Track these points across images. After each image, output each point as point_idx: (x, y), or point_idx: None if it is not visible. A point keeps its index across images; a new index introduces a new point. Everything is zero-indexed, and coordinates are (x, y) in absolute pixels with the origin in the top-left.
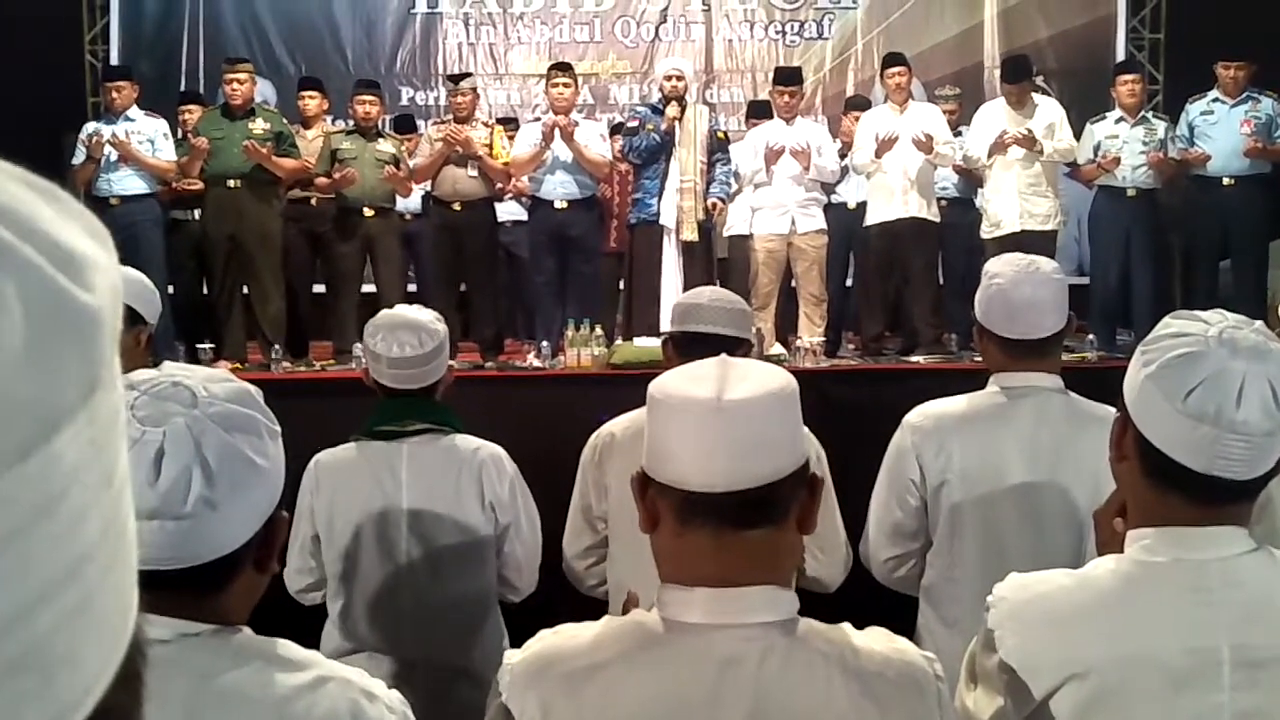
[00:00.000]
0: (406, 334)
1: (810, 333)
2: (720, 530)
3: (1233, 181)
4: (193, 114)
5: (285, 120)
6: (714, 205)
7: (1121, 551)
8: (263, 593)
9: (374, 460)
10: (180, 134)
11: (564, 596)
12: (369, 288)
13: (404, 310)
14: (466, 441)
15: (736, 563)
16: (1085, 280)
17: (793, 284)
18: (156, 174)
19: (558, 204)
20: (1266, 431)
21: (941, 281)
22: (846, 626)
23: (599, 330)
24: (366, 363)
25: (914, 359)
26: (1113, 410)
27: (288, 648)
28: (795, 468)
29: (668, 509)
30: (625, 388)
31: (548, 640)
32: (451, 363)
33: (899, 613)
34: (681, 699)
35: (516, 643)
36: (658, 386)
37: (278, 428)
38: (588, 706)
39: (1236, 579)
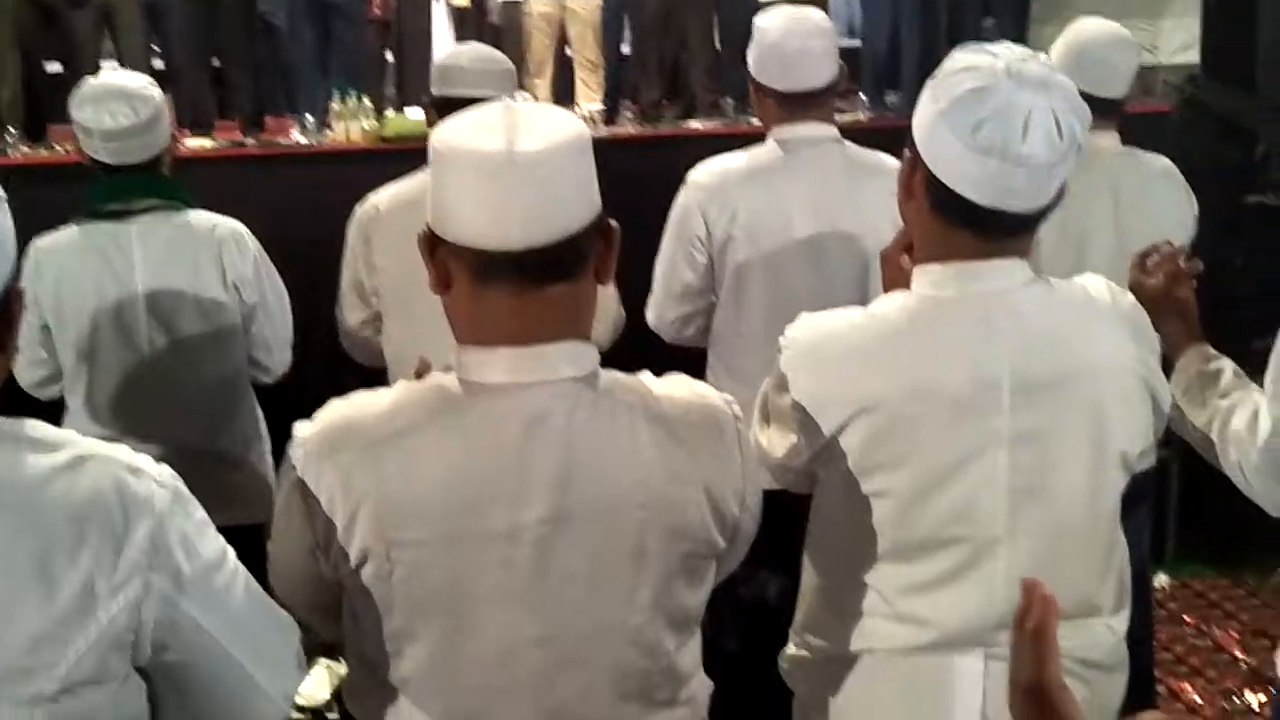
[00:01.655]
0: (117, 103)
1: (588, 100)
2: (519, 288)
3: None
4: None
5: None
6: None
7: (908, 288)
8: (5, 376)
9: (100, 242)
10: None
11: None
12: (111, 64)
13: (111, 78)
14: (202, 218)
15: (537, 320)
16: (856, 43)
17: (568, 50)
18: None
19: None
20: (1050, 163)
21: (718, 45)
22: (646, 375)
23: (367, 102)
24: (79, 139)
25: (692, 124)
26: (888, 158)
27: (39, 427)
28: (592, 219)
29: (461, 270)
30: (398, 162)
31: (341, 410)
32: (175, 133)
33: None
34: (489, 460)
35: (275, 424)
36: (441, 139)
37: (2, 194)
38: (391, 475)
39: (1017, 309)
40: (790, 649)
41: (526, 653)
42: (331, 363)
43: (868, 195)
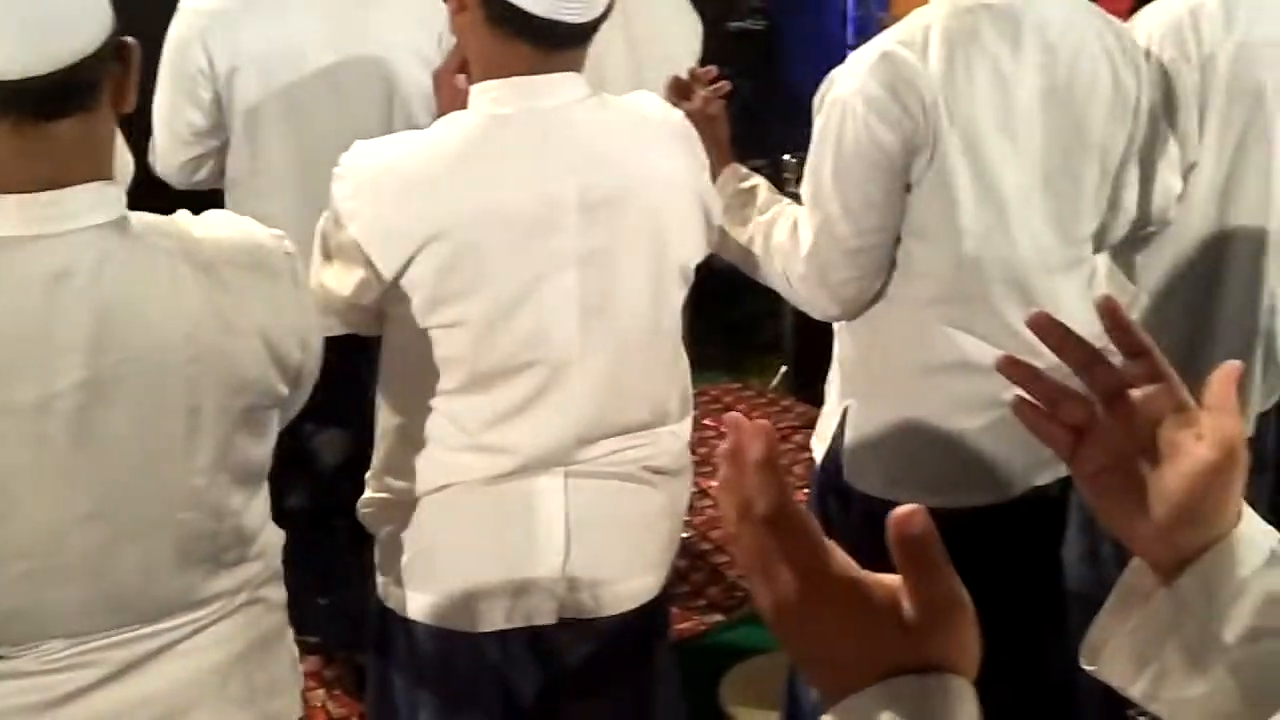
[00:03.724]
0: None
1: None
2: (21, 125)
3: None
4: None
5: None
6: None
7: (465, 109)
8: None
9: None
10: None
11: None
12: None
13: None
14: None
15: (47, 161)
16: None
17: None
18: None
19: None
20: None
21: None
22: (184, 215)
23: None
24: None
25: None
26: None
27: None
28: (105, 38)
29: None
30: None
31: None
32: None
33: None
34: (6, 326)
35: None
36: None
37: None
38: None
39: (577, 125)
40: (369, 493)
41: (76, 532)
42: None
43: (383, 19)
